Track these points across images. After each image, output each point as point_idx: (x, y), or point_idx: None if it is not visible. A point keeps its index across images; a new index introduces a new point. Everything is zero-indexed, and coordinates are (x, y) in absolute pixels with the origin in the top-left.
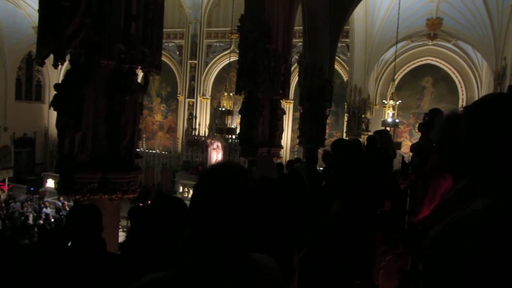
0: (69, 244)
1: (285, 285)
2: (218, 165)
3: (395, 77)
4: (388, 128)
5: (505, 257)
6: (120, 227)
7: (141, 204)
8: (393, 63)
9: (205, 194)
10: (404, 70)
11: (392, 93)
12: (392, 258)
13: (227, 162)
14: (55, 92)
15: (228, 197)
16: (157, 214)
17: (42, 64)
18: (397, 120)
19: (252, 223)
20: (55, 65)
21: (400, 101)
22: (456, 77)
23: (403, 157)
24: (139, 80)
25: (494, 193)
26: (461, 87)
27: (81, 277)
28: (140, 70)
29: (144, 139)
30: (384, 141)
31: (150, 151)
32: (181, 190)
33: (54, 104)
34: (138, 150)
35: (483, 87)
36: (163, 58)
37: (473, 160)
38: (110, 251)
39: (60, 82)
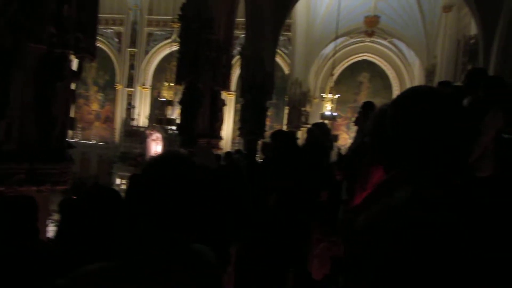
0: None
1: (221, 273)
2: (164, 155)
3: (333, 72)
4: (326, 121)
5: (425, 246)
6: (52, 221)
7: (74, 197)
8: (333, 58)
9: (150, 186)
10: (343, 65)
11: (331, 87)
12: (325, 246)
13: (173, 151)
14: None
15: (176, 189)
16: (89, 206)
17: None
18: (335, 114)
19: (201, 216)
20: None
21: (338, 95)
22: (391, 73)
23: (339, 149)
24: (74, 67)
25: (417, 182)
26: (395, 83)
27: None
28: (74, 56)
29: (79, 129)
30: (322, 133)
31: (86, 141)
32: (118, 182)
33: None
34: (72, 140)
35: (415, 83)
36: (101, 45)
37: (399, 150)
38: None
39: None
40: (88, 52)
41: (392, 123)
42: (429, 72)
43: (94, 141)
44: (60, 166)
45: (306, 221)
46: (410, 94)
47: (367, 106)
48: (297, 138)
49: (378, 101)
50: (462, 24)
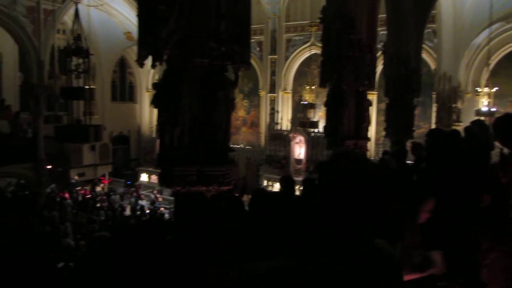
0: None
1: (400, 271)
2: (343, 153)
3: (489, 62)
4: (483, 118)
5: None
6: None
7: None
8: (487, 47)
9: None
10: (500, 54)
11: (487, 80)
12: (497, 256)
13: (350, 151)
14: (155, 91)
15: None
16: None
17: (142, 65)
18: (493, 109)
19: (376, 211)
20: (153, 66)
21: (496, 88)
22: None
23: (501, 149)
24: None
25: None
26: None
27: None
28: (230, 66)
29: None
30: (482, 132)
31: (235, 145)
32: (265, 183)
33: (154, 102)
34: None
35: None
36: None
37: None
38: None
39: (157, 81)
40: (243, 61)
41: None
42: None
43: (242, 145)
44: (224, 168)
45: (469, 227)
46: None
47: None
48: (459, 138)
49: None
50: None
